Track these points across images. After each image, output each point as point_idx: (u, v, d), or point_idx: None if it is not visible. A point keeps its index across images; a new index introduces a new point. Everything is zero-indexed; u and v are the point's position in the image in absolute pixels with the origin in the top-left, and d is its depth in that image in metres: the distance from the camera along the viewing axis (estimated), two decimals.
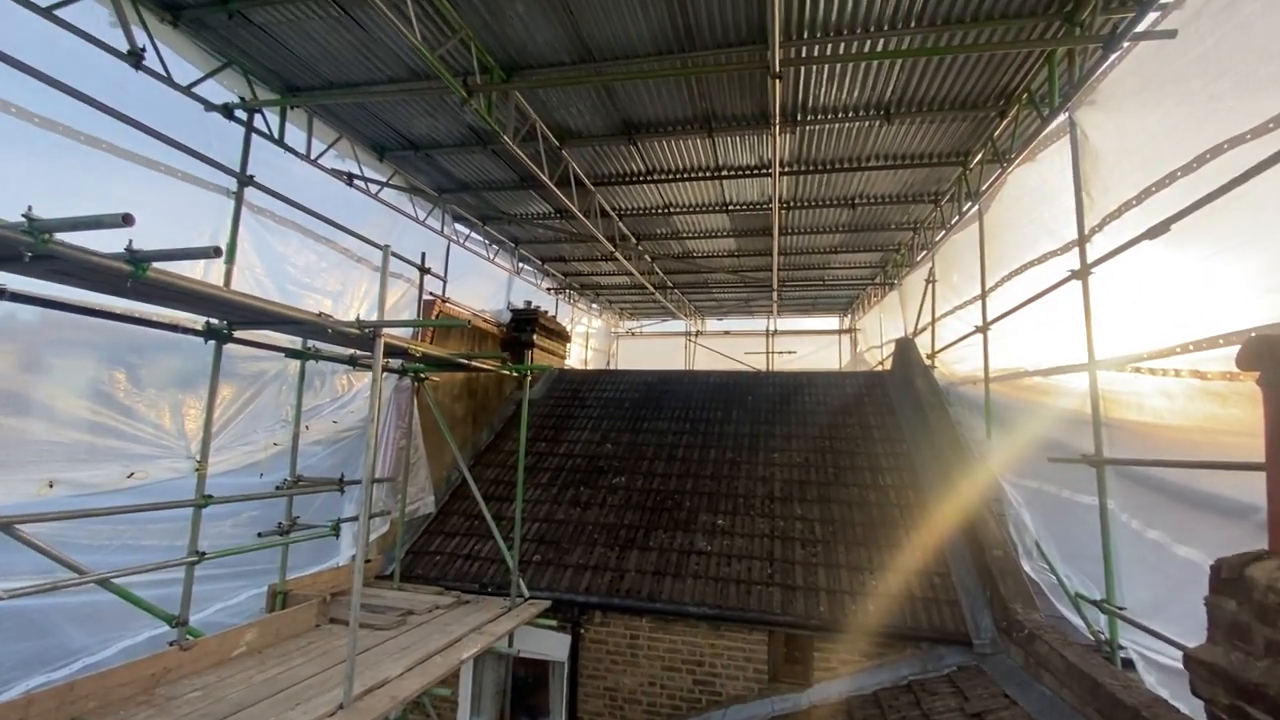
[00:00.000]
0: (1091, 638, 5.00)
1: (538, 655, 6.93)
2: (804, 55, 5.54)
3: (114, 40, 4.69)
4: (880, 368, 13.43)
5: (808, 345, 18.75)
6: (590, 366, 17.44)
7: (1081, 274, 5.50)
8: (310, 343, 6.00)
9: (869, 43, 5.34)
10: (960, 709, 4.93)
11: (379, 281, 4.72)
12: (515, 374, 7.11)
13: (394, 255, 7.79)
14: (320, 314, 4.61)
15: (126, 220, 2.59)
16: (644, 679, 6.59)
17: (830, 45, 5.38)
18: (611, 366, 19.30)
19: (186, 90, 5.38)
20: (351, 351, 6.39)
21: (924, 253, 10.31)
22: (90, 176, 4.56)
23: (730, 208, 9.66)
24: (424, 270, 8.12)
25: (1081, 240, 5.64)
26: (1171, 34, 4.39)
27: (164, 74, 5.14)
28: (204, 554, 4.85)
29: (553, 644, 6.82)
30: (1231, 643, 2.34)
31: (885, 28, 5.17)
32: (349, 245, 7.23)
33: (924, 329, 10.36)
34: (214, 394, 5.00)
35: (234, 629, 5.15)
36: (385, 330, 4.71)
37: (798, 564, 6.93)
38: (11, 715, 3.58)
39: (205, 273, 5.14)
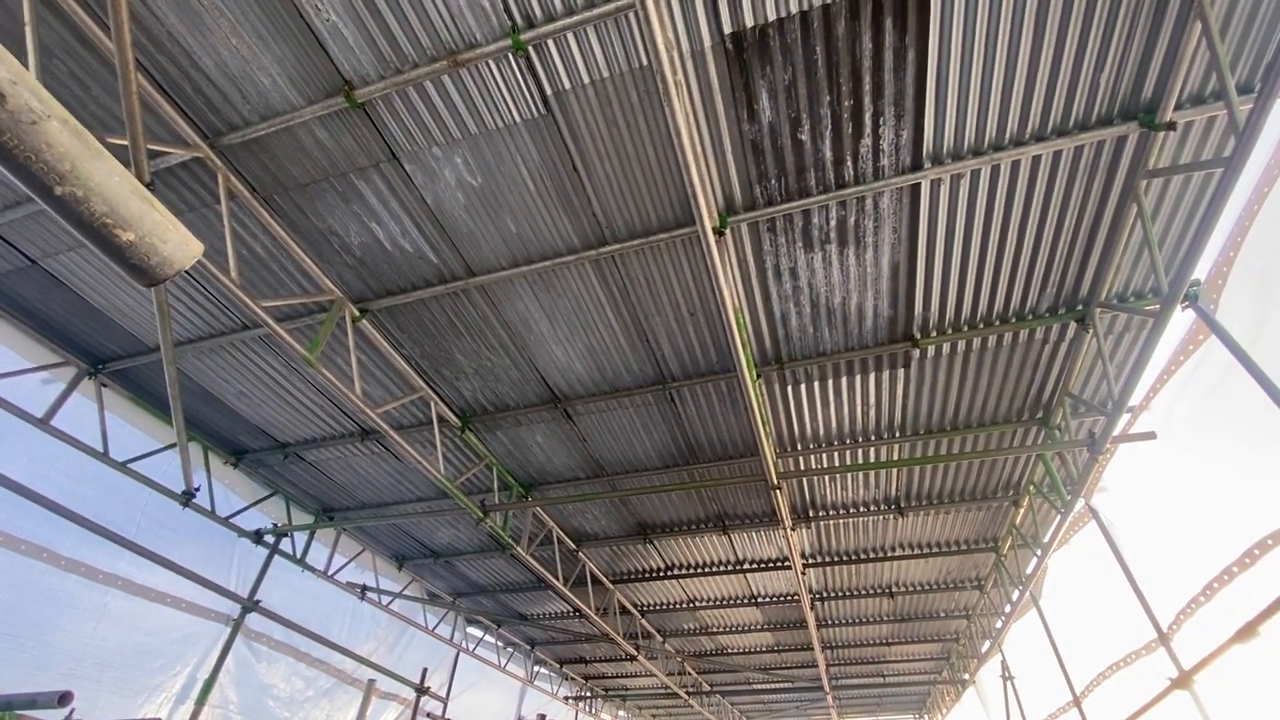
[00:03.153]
0: None
1: None
2: (800, 467, 5.90)
3: (166, 479, 5.24)
4: None
5: None
6: None
7: (1183, 681, 4.61)
8: None
9: (860, 452, 5.71)
10: None
11: (370, 706, 4.10)
12: None
13: (393, 676, 7.12)
14: None
15: (64, 701, 2.35)
16: None
17: (824, 456, 5.76)
18: None
19: (225, 521, 5.76)
20: None
21: (989, 643, 9.10)
22: (92, 605, 4.49)
23: (759, 600, 9.06)
24: (422, 691, 7.26)
25: (1163, 638, 4.92)
26: (1151, 436, 4.61)
27: (210, 509, 5.58)
28: None
29: None
30: None
31: (872, 438, 5.60)
32: (344, 666, 6.66)
33: None
34: None
35: None
36: None
37: None
38: None
39: (171, 713, 4.58)
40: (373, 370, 5.02)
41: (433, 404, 5.18)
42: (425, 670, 7.47)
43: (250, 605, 5.39)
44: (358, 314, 4.41)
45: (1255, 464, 4.05)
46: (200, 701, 4.79)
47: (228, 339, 4.78)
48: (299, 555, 6.48)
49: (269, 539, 6.08)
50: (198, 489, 5.39)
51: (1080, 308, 4.34)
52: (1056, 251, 4.01)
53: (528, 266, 4.12)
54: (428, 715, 7.89)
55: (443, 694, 8.27)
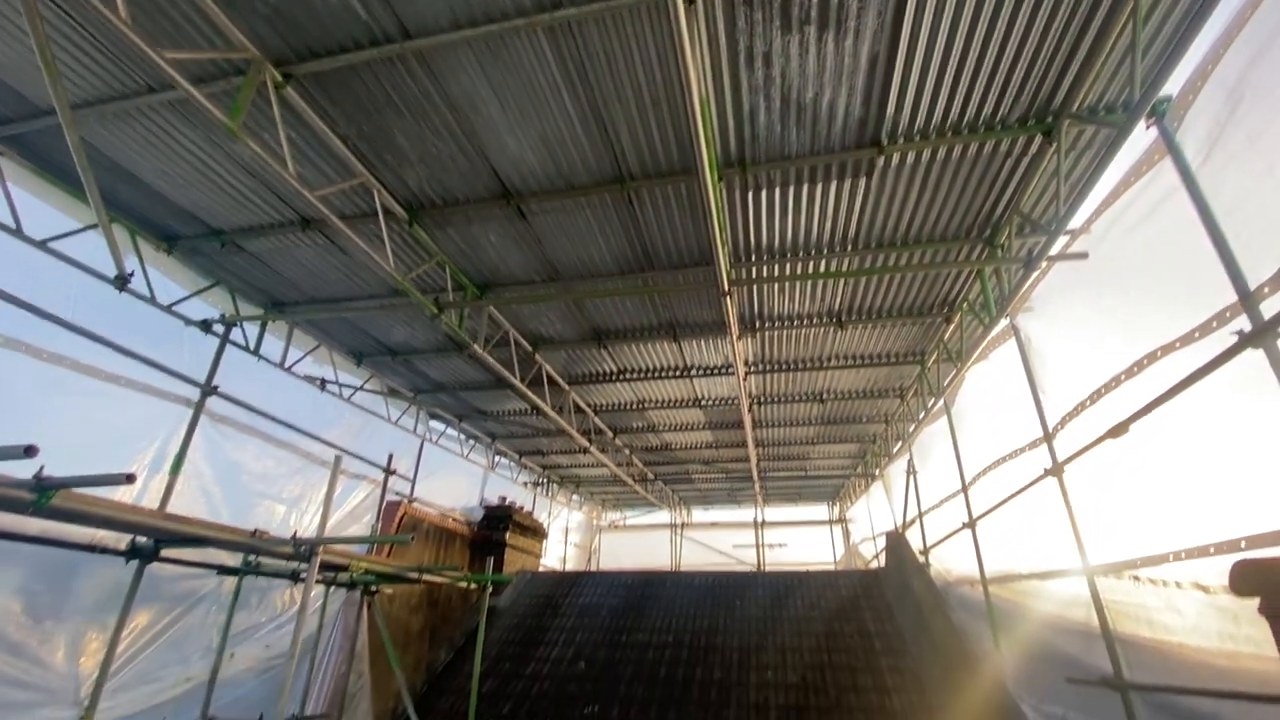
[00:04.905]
0: None
1: None
2: (752, 276, 6.02)
3: (103, 265, 4.99)
4: (875, 563, 12.69)
5: (799, 536, 17.93)
6: (570, 563, 16.36)
7: (1055, 471, 5.39)
8: (251, 556, 5.55)
9: (811, 264, 5.83)
10: None
11: (340, 486, 4.50)
12: (476, 585, 6.53)
13: (359, 458, 7.65)
14: (256, 531, 4.30)
15: (29, 452, 2.45)
16: None
17: (775, 266, 5.87)
18: (593, 562, 18.14)
19: (168, 309, 5.64)
20: (295, 565, 5.90)
21: (900, 444, 10.31)
22: (46, 390, 4.53)
23: (703, 403, 9.83)
24: (389, 472, 7.90)
25: (1048, 436, 5.64)
26: (1083, 255, 4.83)
27: (149, 295, 5.41)
28: None
29: None
30: None
31: (825, 251, 5.69)
32: (312, 449, 7.09)
33: (912, 522, 9.96)
34: (122, 624, 4.44)
35: None
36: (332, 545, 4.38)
37: None
38: None
39: (143, 486, 4.90)
40: (306, 152, 4.62)
41: (376, 192, 4.90)
42: (391, 455, 8.05)
43: (209, 390, 5.52)
44: (280, 79, 3.92)
45: (1173, 288, 4.35)
46: (174, 472, 5.10)
47: (134, 103, 4.25)
48: (253, 347, 6.51)
49: (218, 328, 6.03)
50: (131, 274, 5.16)
51: (1050, 119, 4.24)
52: (1041, 52, 3.80)
53: (471, 30, 3.64)
54: (396, 494, 8.68)
55: (409, 477, 9.02)
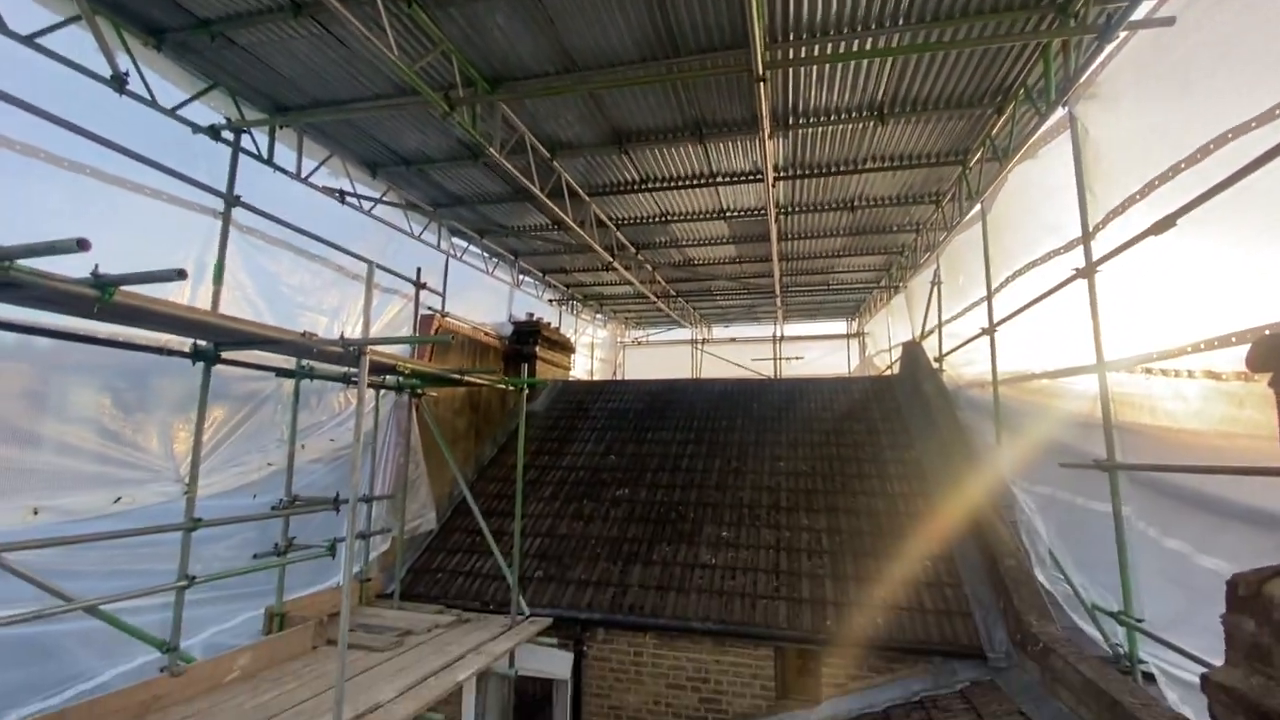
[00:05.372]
0: (1109, 650, 4.78)
1: (540, 674, 6.80)
2: (790, 57, 5.44)
3: (98, 66, 4.69)
4: (889, 372, 13.21)
5: (815, 350, 18.53)
6: (596, 377, 17.34)
7: (1087, 272, 5.32)
8: (305, 361, 5.96)
9: (856, 42, 5.23)
10: None
11: (375, 299, 4.68)
12: (513, 388, 7.02)
13: (389, 271, 7.80)
14: (305, 333, 4.56)
15: (81, 245, 2.54)
16: (648, 697, 6.43)
17: (817, 46, 5.28)
18: (618, 377, 19.19)
19: (171, 113, 5.39)
20: (345, 369, 6.35)
21: (928, 254, 10.12)
22: (75, 203, 4.55)
23: (728, 214, 9.56)
24: (420, 285, 8.09)
25: (1086, 237, 5.47)
26: (1170, 21, 4.23)
27: (149, 98, 5.15)
28: (194, 578, 4.80)
29: (555, 662, 6.69)
30: (1251, 665, 2.18)
31: (873, 26, 5.06)
32: (343, 263, 7.21)
33: (931, 332, 10.16)
34: (202, 416, 4.96)
35: (227, 654, 5.08)
36: (376, 347, 4.66)
37: (804, 576, 6.75)
38: None
39: (192, 295, 5.12)
40: None
41: None
42: (419, 269, 8.18)
43: (232, 200, 5.49)
44: None
45: (1263, 62, 3.86)
46: (217, 281, 5.30)
47: None
48: (265, 155, 6.32)
49: (228, 135, 5.82)
50: (126, 74, 4.87)
51: None
52: None
53: None
54: (428, 308, 8.98)
55: (439, 291, 9.24)
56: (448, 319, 9.03)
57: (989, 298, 7.58)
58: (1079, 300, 5.43)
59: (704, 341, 19.08)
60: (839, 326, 18.92)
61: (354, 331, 7.17)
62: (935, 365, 9.72)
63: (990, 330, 7.46)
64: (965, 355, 8.91)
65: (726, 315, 18.09)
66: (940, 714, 5.16)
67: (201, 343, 4.75)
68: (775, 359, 17.65)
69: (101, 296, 2.96)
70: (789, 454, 8.97)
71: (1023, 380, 6.90)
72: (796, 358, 18.12)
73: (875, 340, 16.27)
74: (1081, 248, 5.47)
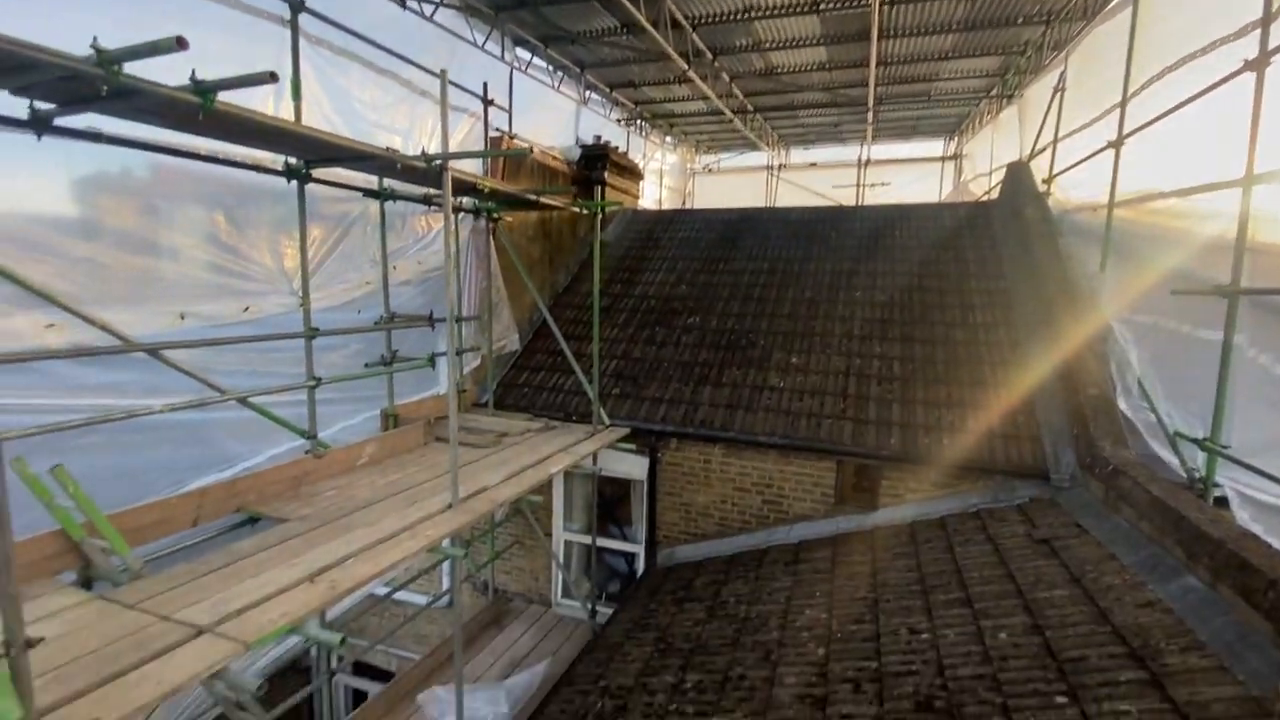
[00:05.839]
0: (1184, 475, 4.81)
1: (619, 475, 7.61)
2: None
3: None
4: (986, 198, 12.15)
5: (904, 176, 17.06)
6: (664, 207, 16.87)
7: (1259, 63, 4.47)
8: (386, 183, 6.07)
9: None
10: (1027, 535, 5.05)
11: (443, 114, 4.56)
12: (587, 211, 6.97)
13: (457, 86, 7.49)
14: (388, 149, 4.58)
15: (180, 44, 2.55)
16: (716, 497, 7.14)
17: None
18: (688, 205, 18.59)
19: None
20: (426, 191, 6.44)
21: (1055, 54, 8.69)
22: (130, 11, 4.43)
23: (822, 7, 8.36)
24: (488, 102, 7.78)
25: (1266, 20, 4.51)
26: None
27: None
28: (320, 379, 5.44)
29: (632, 465, 7.43)
30: None
31: None
32: (411, 77, 6.96)
33: (1043, 150, 9.09)
34: (304, 234, 5.26)
35: (356, 444, 5.92)
36: (453, 166, 4.66)
37: (872, 400, 6.94)
38: (191, 503, 4.40)
39: (274, 110, 5.14)
40: None
41: None
42: (486, 84, 7.81)
43: (298, 4, 5.23)
44: None
45: None
46: (295, 97, 5.26)
47: None
48: None
49: None
50: None
51: None
52: None
53: None
54: (496, 129, 8.70)
55: (505, 108, 8.88)
56: (515, 140, 8.78)
57: (1123, 103, 6.59)
58: (1232, 103, 4.65)
59: (781, 167, 17.90)
60: (934, 148, 17.18)
61: (431, 147, 7.13)
62: (1042, 187, 8.83)
63: (1117, 143, 6.60)
64: (1076, 176, 8.03)
65: (807, 136, 16.68)
66: (994, 523, 5.51)
67: (293, 160, 4.88)
68: (859, 185, 16.47)
69: (204, 103, 3.02)
70: (866, 284, 8.74)
71: (1145, 200, 6.22)
72: (882, 184, 16.82)
73: (974, 163, 14.76)
74: (1258, 33, 4.55)
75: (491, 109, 7.99)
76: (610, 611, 7.05)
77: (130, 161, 4.57)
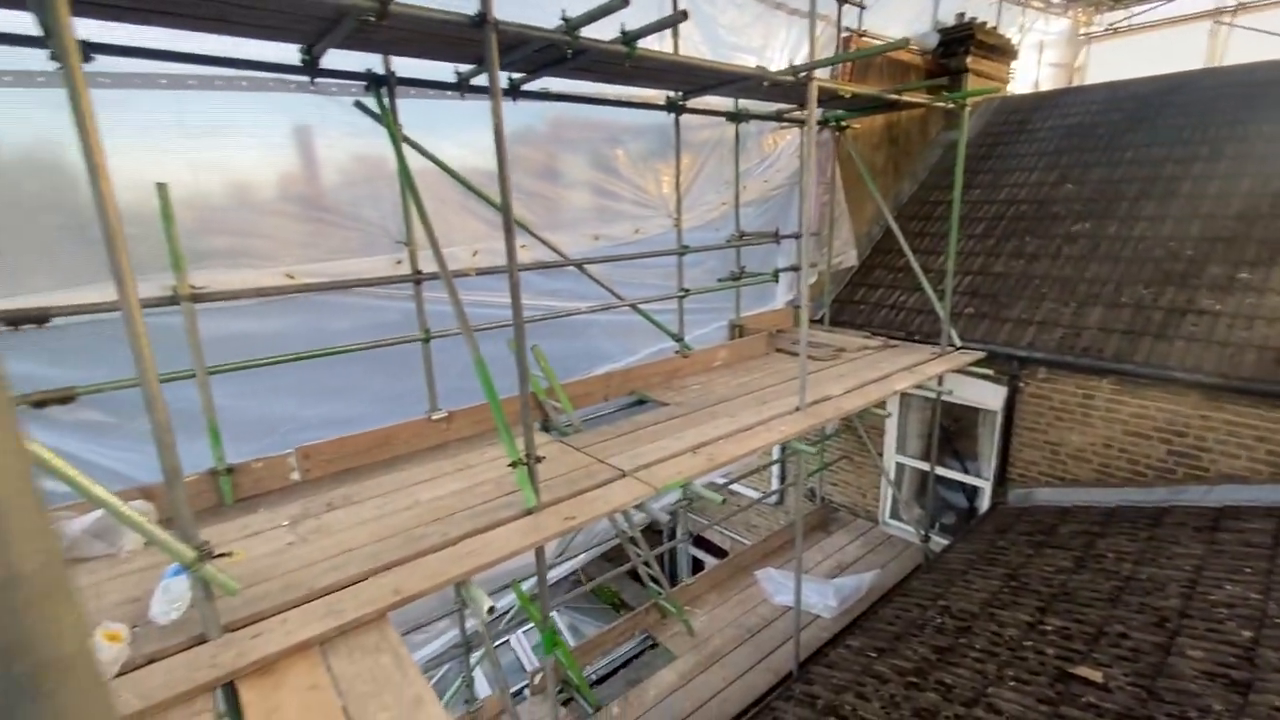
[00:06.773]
0: None
1: (967, 402, 7.03)
2: None
3: None
4: None
5: None
6: (1043, 89, 13.77)
7: None
8: (741, 104, 6.39)
9: None
10: None
11: (796, 27, 4.56)
12: (954, 104, 6.21)
13: None
14: (758, 67, 4.82)
15: (624, 1, 3.09)
16: (1097, 439, 6.09)
17: None
18: (1074, 84, 14.81)
19: None
20: (779, 107, 6.58)
21: None
22: None
23: None
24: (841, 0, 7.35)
25: None
26: None
27: None
28: (688, 290, 6.28)
29: (985, 393, 6.78)
30: None
31: None
32: None
33: None
34: (679, 162, 5.97)
35: (712, 348, 6.73)
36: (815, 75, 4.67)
37: None
38: (602, 382, 5.67)
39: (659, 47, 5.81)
40: None
41: None
42: None
43: None
44: None
45: None
46: (674, 34, 5.84)
47: None
48: None
49: None
50: None
51: None
52: None
53: None
54: (846, 29, 8.20)
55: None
56: (865, 38, 8.16)
57: None
58: None
59: (1238, 8, 12.76)
60: None
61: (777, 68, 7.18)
62: None
63: None
64: None
65: None
66: None
67: (671, 94, 5.51)
68: None
69: (629, 53, 3.64)
70: None
71: None
72: None
73: None
74: None
75: (850, 3, 7.53)
76: (946, 542, 6.80)
77: (531, 120, 5.56)
